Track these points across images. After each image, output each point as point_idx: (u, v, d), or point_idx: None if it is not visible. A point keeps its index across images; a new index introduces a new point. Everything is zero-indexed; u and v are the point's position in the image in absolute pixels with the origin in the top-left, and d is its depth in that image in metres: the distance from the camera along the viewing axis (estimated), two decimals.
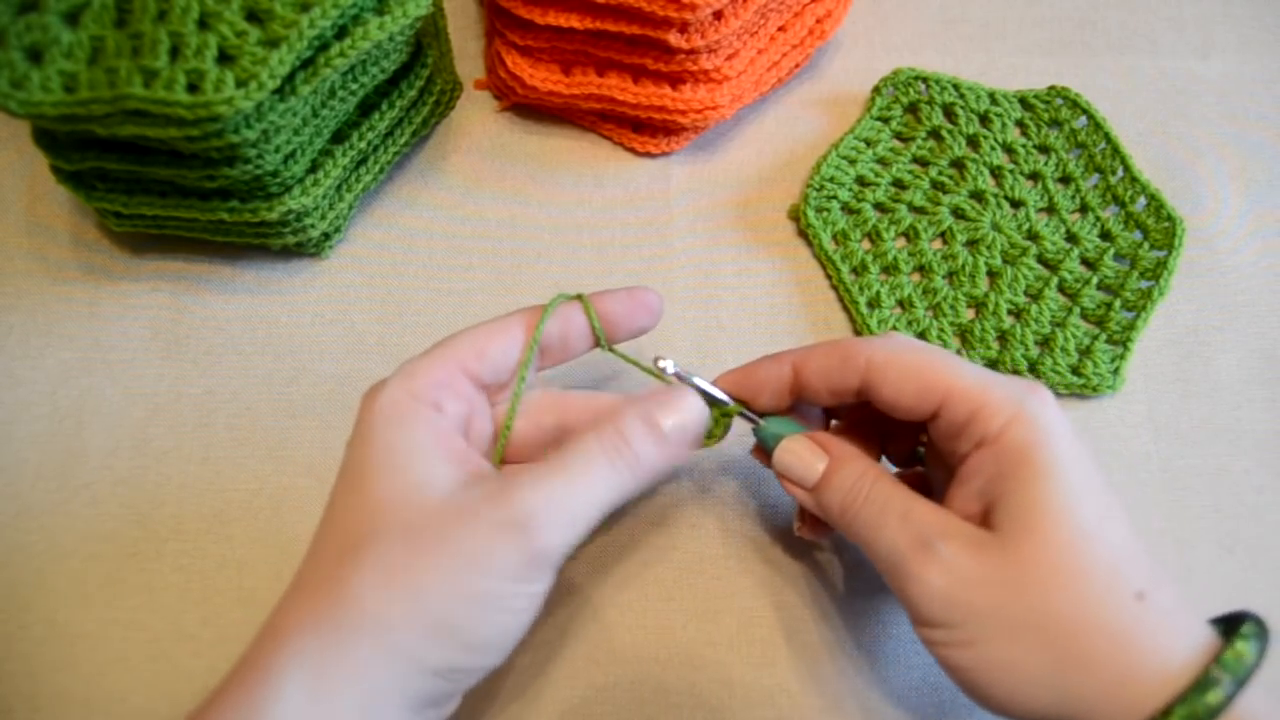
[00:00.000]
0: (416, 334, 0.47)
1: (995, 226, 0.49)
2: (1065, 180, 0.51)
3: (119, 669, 0.41)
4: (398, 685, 0.29)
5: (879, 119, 0.52)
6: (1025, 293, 0.48)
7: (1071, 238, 0.49)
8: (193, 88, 0.36)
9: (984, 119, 0.51)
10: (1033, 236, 0.49)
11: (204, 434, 0.45)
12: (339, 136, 0.45)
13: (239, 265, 0.48)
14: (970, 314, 0.48)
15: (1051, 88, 0.52)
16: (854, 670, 0.42)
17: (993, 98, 0.52)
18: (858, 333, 0.48)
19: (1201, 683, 0.28)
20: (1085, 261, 0.49)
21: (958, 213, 0.50)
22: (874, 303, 0.48)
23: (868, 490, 0.34)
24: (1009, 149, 0.51)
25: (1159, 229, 0.49)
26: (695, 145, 0.52)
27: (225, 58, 0.36)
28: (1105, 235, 0.49)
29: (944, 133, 0.51)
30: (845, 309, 0.49)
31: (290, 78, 0.38)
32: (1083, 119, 0.51)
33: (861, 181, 0.51)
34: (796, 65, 0.52)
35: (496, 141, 0.52)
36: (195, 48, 0.36)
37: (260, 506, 0.44)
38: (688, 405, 0.34)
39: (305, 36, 0.37)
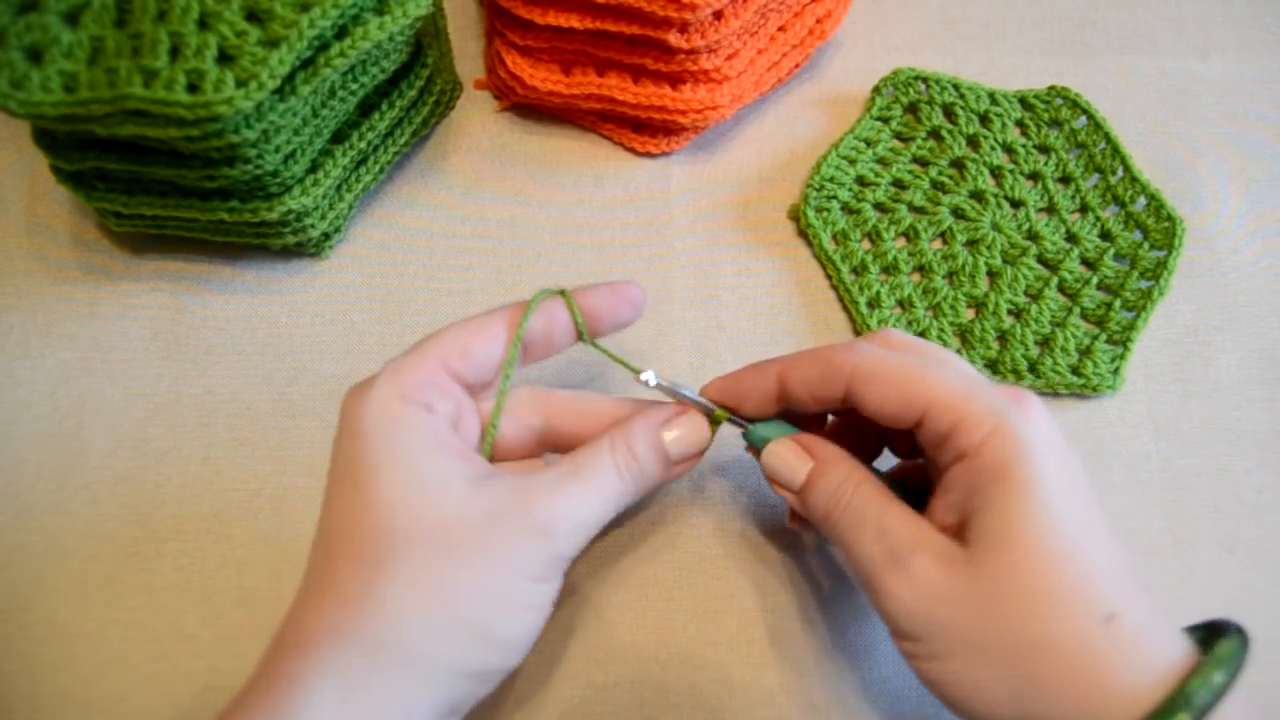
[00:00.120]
0: (416, 334, 0.47)
1: (995, 226, 0.49)
2: (1065, 180, 0.51)
3: (119, 669, 0.41)
4: (430, 694, 0.30)
5: (879, 119, 0.52)
6: (1025, 293, 0.48)
7: (1071, 238, 0.49)
8: (193, 88, 0.36)
9: (984, 119, 0.51)
10: (1033, 236, 0.49)
11: (204, 434, 0.45)
12: (339, 136, 0.45)
13: (239, 265, 0.48)
14: (970, 314, 0.48)
15: (1051, 88, 0.52)
16: (854, 670, 0.42)
17: (993, 98, 0.52)
18: (857, 332, 0.48)
19: (1165, 710, 0.28)
20: (1085, 261, 0.49)
21: (958, 213, 0.50)
22: (874, 303, 0.48)
23: (848, 497, 0.34)
24: (1009, 149, 0.51)
25: (1159, 229, 0.49)
26: (695, 145, 0.52)
27: (225, 58, 0.36)
28: (1105, 235, 0.49)
29: (944, 133, 0.51)
30: (845, 309, 0.49)
31: (290, 78, 0.38)
32: (1083, 119, 0.51)
33: (861, 181, 0.51)
34: (796, 65, 0.52)
35: (496, 141, 0.52)
36: (195, 48, 0.36)
37: (260, 506, 0.44)
38: (692, 424, 0.36)
39: (305, 36, 0.37)
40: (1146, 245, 0.49)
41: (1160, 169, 0.52)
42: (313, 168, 0.44)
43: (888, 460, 0.40)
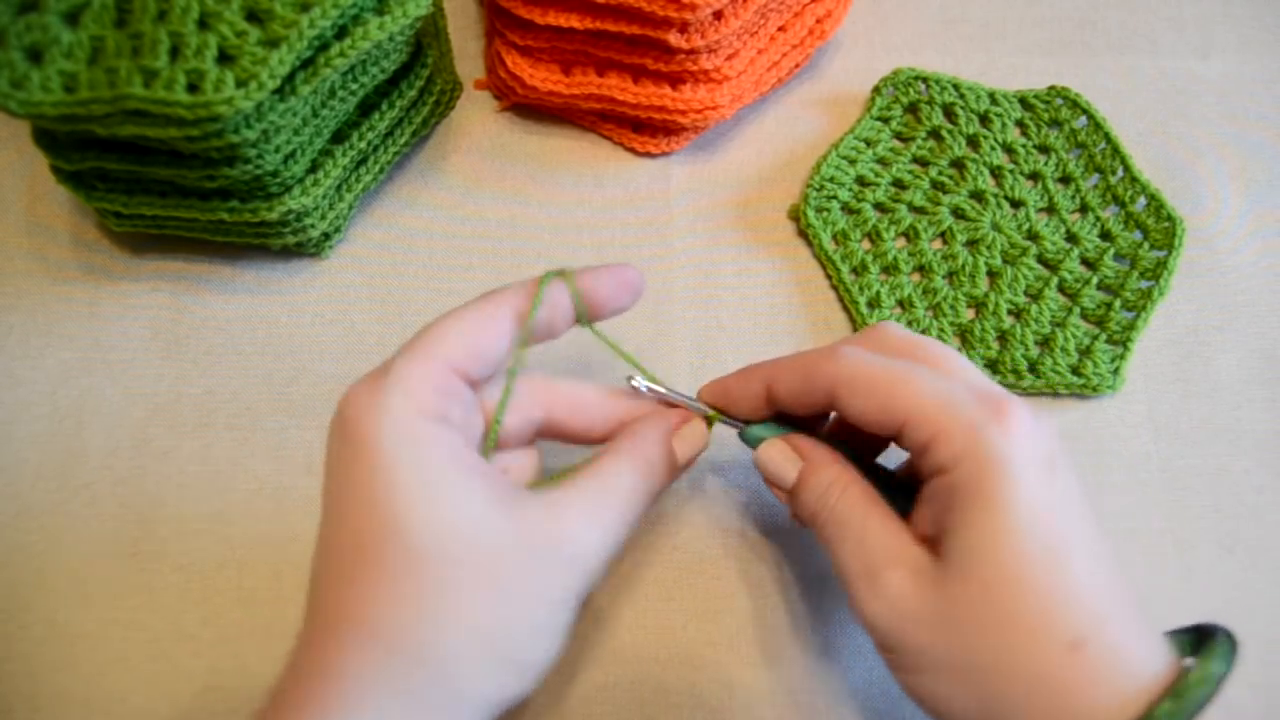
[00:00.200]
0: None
1: (995, 226, 0.49)
2: (1065, 180, 0.51)
3: (119, 669, 0.41)
4: None
5: (879, 119, 0.52)
6: (1025, 293, 0.48)
7: (1071, 238, 0.49)
8: (193, 88, 0.36)
9: (984, 119, 0.51)
10: (1033, 236, 0.49)
11: (204, 434, 0.45)
12: (339, 136, 0.45)
13: (239, 265, 0.48)
14: (970, 314, 0.48)
15: (1051, 88, 0.52)
16: (855, 671, 0.42)
17: (993, 98, 0.52)
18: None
19: None
20: (1085, 261, 0.49)
21: (958, 213, 0.50)
22: (874, 303, 0.48)
23: (834, 502, 0.34)
24: (1009, 149, 0.51)
25: (1159, 229, 0.49)
26: (695, 145, 0.52)
27: (225, 58, 0.36)
28: (1105, 235, 0.49)
29: (944, 133, 0.51)
30: (845, 309, 0.49)
31: (290, 78, 0.38)
32: (1083, 119, 0.51)
33: (861, 181, 0.51)
34: (796, 65, 0.52)
35: (496, 141, 0.52)
36: (195, 48, 0.36)
37: (260, 506, 0.44)
38: (695, 428, 0.37)
39: (305, 36, 0.37)
40: (1146, 245, 0.49)
41: (1160, 169, 0.52)
42: (313, 168, 0.44)
43: (896, 454, 0.40)
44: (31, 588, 0.42)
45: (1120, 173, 0.50)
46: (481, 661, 0.29)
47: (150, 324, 0.47)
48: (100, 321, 0.47)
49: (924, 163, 0.51)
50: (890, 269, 0.49)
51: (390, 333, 0.47)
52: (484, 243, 0.49)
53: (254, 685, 0.41)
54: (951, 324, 0.48)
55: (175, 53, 0.36)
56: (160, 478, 0.44)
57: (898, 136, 0.52)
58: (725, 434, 0.39)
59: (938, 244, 0.49)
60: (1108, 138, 0.51)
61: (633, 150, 0.51)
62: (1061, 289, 0.48)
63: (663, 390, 0.37)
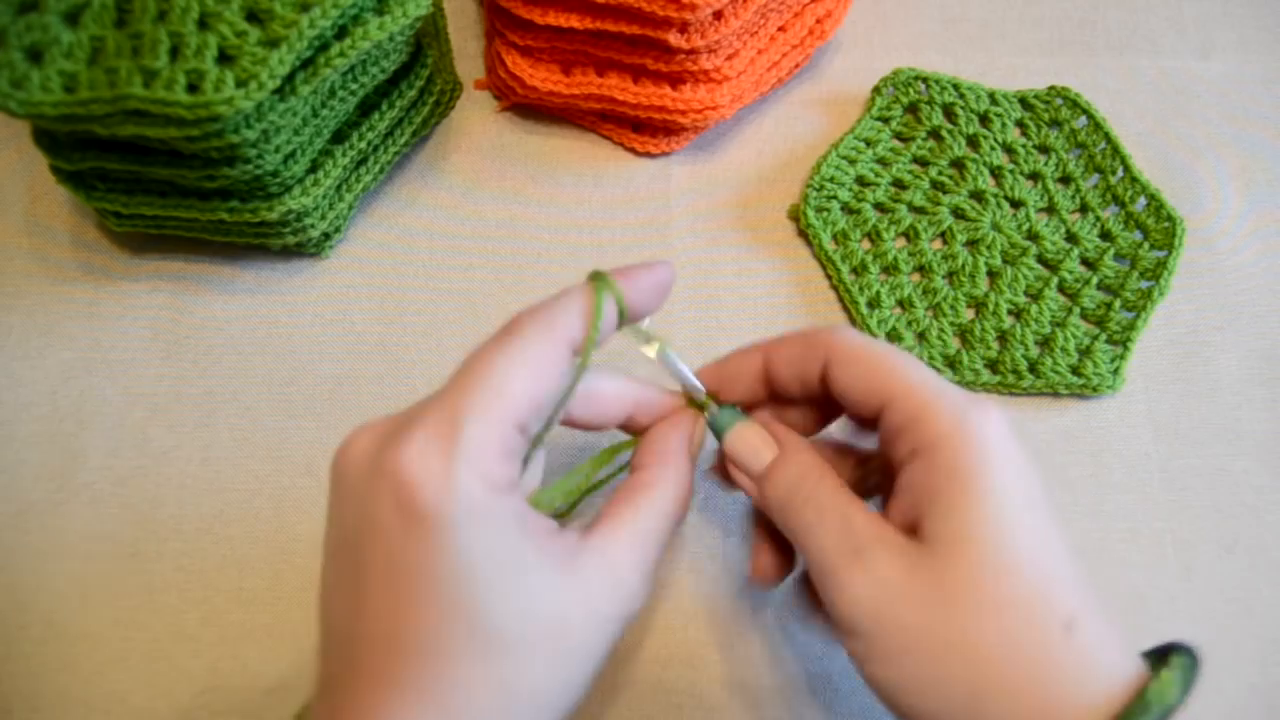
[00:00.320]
0: (416, 334, 0.47)
1: (995, 226, 0.49)
2: (1065, 180, 0.51)
3: (119, 669, 0.41)
4: None
5: (879, 119, 0.52)
6: (1025, 293, 0.48)
7: (1071, 238, 0.49)
8: (193, 88, 0.36)
9: (984, 119, 0.51)
10: (1033, 236, 0.49)
11: (204, 434, 0.45)
12: (339, 136, 0.45)
13: (239, 265, 0.48)
14: (970, 314, 0.48)
15: (1051, 88, 0.52)
16: (855, 670, 0.41)
17: (993, 98, 0.52)
18: None
19: (1132, 712, 0.28)
20: (1085, 261, 0.49)
21: (958, 213, 0.50)
22: (874, 303, 0.48)
23: (810, 488, 0.33)
24: (1009, 149, 0.51)
25: (1159, 229, 0.49)
26: (695, 145, 0.52)
27: (225, 58, 0.36)
28: (1105, 235, 0.49)
29: (944, 133, 0.51)
30: (845, 309, 0.49)
31: (290, 78, 0.38)
32: (1083, 119, 0.51)
33: (861, 181, 0.51)
34: (796, 65, 0.52)
35: (496, 141, 0.52)
36: (195, 48, 0.36)
37: (260, 506, 0.44)
38: (700, 428, 0.36)
39: (305, 36, 0.37)
40: (1146, 245, 0.49)
41: (1160, 169, 0.52)
42: (313, 168, 0.44)
43: None
44: (31, 588, 0.42)
45: (1120, 173, 0.50)
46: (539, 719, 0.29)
47: (150, 324, 0.47)
48: (100, 321, 0.47)
49: (924, 163, 0.51)
50: (890, 269, 0.49)
51: (390, 333, 0.47)
52: (484, 243, 0.49)
53: (254, 685, 0.41)
54: (951, 324, 0.48)
55: (175, 53, 0.36)
56: (160, 478, 0.44)
57: (898, 136, 0.52)
58: None
59: (938, 244, 0.49)
60: (1108, 138, 0.51)
61: (633, 150, 0.51)
62: (1061, 289, 0.48)
63: (684, 369, 0.36)
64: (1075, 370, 0.46)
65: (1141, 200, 0.50)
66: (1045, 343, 0.47)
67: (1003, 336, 0.47)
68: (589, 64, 0.49)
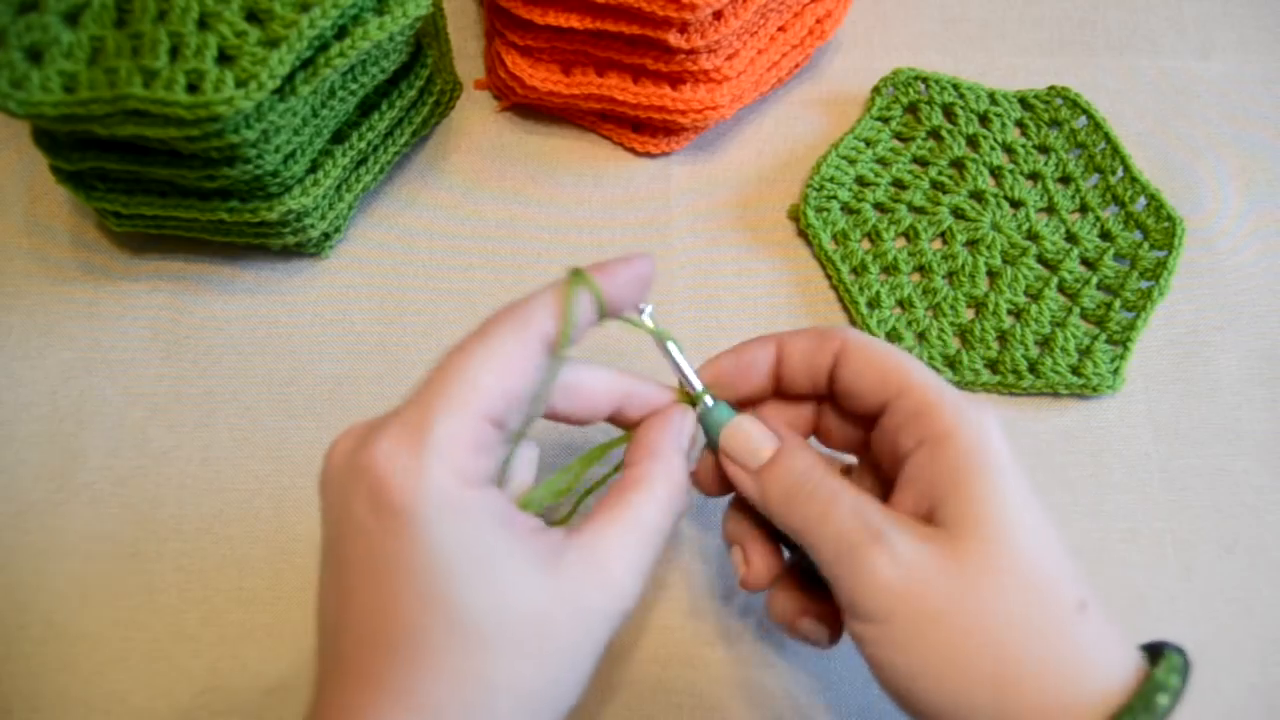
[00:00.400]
0: (416, 334, 0.47)
1: (995, 226, 0.49)
2: (1065, 180, 0.51)
3: (119, 669, 0.41)
4: None
5: (879, 119, 0.52)
6: (1025, 293, 0.48)
7: (1071, 238, 0.49)
8: (193, 88, 0.36)
9: (984, 119, 0.51)
10: (1033, 236, 0.49)
11: (204, 434, 0.45)
12: (339, 136, 0.45)
13: (239, 265, 0.48)
14: (970, 314, 0.48)
15: (1051, 88, 0.52)
16: (855, 670, 0.42)
17: (993, 98, 0.52)
18: None
19: (1145, 692, 0.28)
20: (1085, 261, 0.49)
21: (958, 213, 0.50)
22: (874, 303, 0.48)
23: (818, 480, 0.33)
24: (1009, 149, 0.51)
25: (1159, 229, 0.49)
26: (695, 145, 0.52)
27: (225, 58, 0.36)
28: (1105, 235, 0.49)
29: (944, 133, 0.51)
30: (845, 309, 0.49)
31: (290, 78, 0.38)
32: (1083, 119, 0.51)
33: (861, 181, 0.51)
34: (796, 65, 0.52)
35: (496, 141, 0.52)
36: (195, 48, 0.36)
37: (260, 506, 0.44)
38: (694, 428, 0.36)
39: (305, 36, 0.37)
40: (1146, 245, 0.49)
41: (1160, 169, 0.52)
42: (313, 168, 0.44)
43: None
44: (31, 588, 0.42)
45: (1120, 173, 0.50)
46: (525, 718, 0.29)
47: (150, 324, 0.47)
48: (100, 321, 0.47)
49: (924, 163, 0.51)
50: (890, 269, 0.49)
51: (390, 333, 0.47)
52: (484, 243, 0.49)
53: (254, 685, 0.41)
54: (951, 324, 0.48)
55: (175, 53, 0.36)
56: (160, 478, 0.44)
57: (898, 136, 0.52)
58: None
59: (938, 244, 0.49)
60: (1108, 138, 0.51)
61: (633, 150, 0.51)
62: (1061, 289, 0.48)
63: (684, 361, 0.36)
64: (1075, 370, 0.46)
65: (1141, 200, 0.50)
66: (1045, 343, 0.47)
67: (1003, 336, 0.47)
68: (589, 64, 0.49)
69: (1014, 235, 0.49)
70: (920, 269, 0.49)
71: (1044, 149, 0.51)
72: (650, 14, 0.44)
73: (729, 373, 0.37)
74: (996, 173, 0.50)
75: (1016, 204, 0.50)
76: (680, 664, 0.41)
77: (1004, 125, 0.51)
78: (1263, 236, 0.51)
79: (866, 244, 0.49)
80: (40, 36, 0.36)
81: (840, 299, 0.49)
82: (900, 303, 0.48)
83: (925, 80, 0.52)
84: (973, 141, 0.51)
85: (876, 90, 0.52)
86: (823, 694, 0.41)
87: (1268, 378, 0.48)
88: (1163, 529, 0.45)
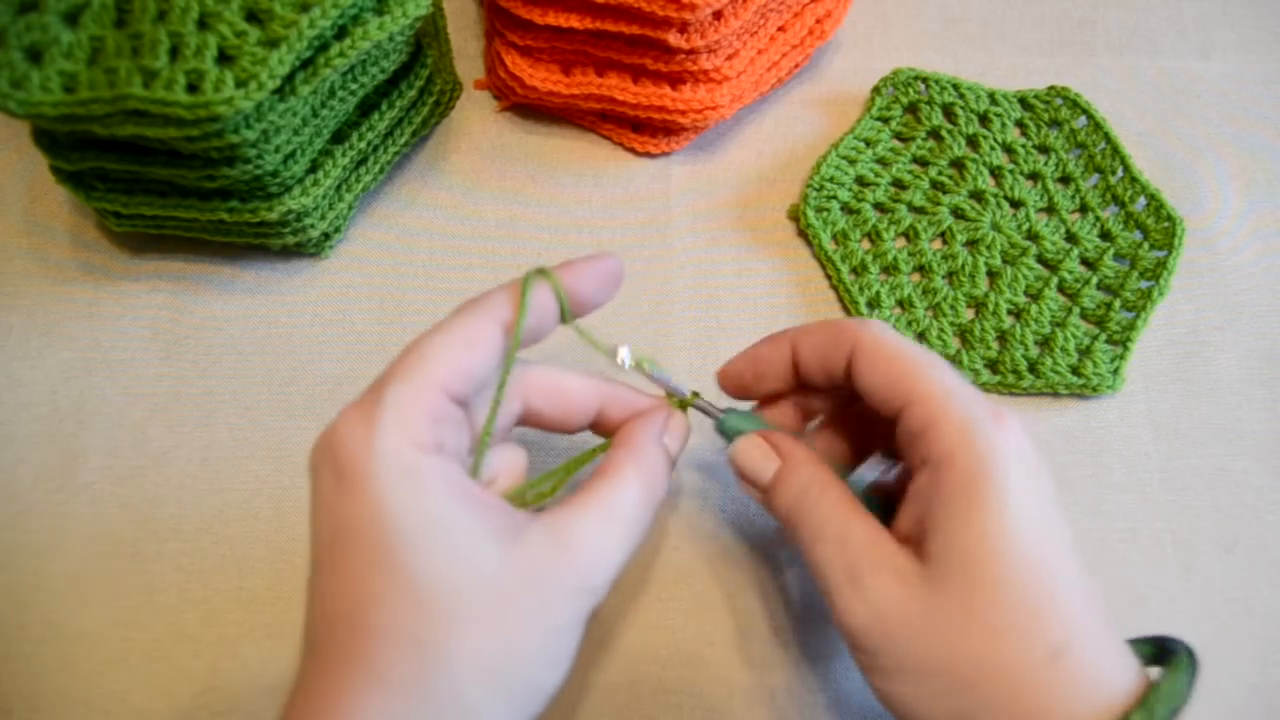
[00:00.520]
0: (416, 334, 0.47)
1: (995, 226, 0.49)
2: (1065, 180, 0.51)
3: (119, 669, 0.41)
4: None
5: (879, 119, 0.52)
6: (1025, 293, 0.48)
7: (1071, 238, 0.49)
8: (192, 88, 0.36)
9: (984, 119, 0.51)
10: (1033, 236, 0.49)
11: (204, 434, 0.45)
12: (339, 136, 0.45)
13: (239, 265, 0.48)
14: (970, 314, 0.48)
15: (1051, 88, 0.52)
16: (854, 670, 0.42)
17: (993, 98, 0.52)
18: None
19: None
20: (1085, 261, 0.49)
21: (957, 213, 0.50)
22: (874, 303, 0.48)
23: (812, 502, 0.33)
24: (1009, 149, 0.51)
25: (1159, 229, 0.49)
26: (695, 145, 0.52)
27: (225, 58, 0.36)
28: (1105, 235, 0.49)
29: (944, 133, 0.51)
30: (845, 309, 0.49)
31: (290, 78, 0.38)
32: (1083, 119, 0.51)
33: (861, 181, 0.51)
34: (796, 65, 0.52)
35: (496, 141, 0.52)
36: (195, 48, 0.36)
37: (260, 506, 0.44)
38: (682, 425, 0.36)
39: (305, 36, 0.37)
40: (1146, 245, 0.49)
41: (1160, 169, 0.52)
42: (313, 168, 0.44)
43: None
44: (31, 588, 0.42)
45: (1120, 173, 0.50)
46: (493, 694, 0.28)
47: (150, 324, 0.47)
48: (100, 321, 0.47)
49: (924, 163, 0.51)
50: (890, 269, 0.49)
51: (390, 333, 0.47)
52: (484, 243, 0.49)
53: (254, 685, 0.41)
54: (951, 324, 0.48)
55: (175, 53, 0.36)
56: (160, 478, 0.44)
57: (897, 136, 0.52)
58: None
59: (938, 244, 0.49)
60: (1107, 138, 0.51)
61: (633, 150, 0.51)
62: (1061, 289, 0.48)
63: (649, 370, 0.36)
64: (1075, 370, 0.46)
65: (1141, 200, 0.50)
66: (1045, 343, 0.47)
67: (1003, 336, 0.47)
68: (589, 64, 0.49)
69: (1014, 235, 0.49)
70: (920, 269, 0.49)
71: (1044, 149, 0.51)
72: (650, 14, 0.44)
73: (745, 376, 0.37)
74: (996, 173, 0.50)
75: (1016, 204, 0.50)
76: (681, 664, 0.41)
77: (1004, 125, 0.51)
78: (1263, 236, 0.51)
79: (866, 244, 0.49)
80: (40, 36, 0.36)
81: (840, 299, 0.49)
82: (900, 303, 0.48)
83: (925, 80, 0.52)
84: (973, 141, 0.51)
85: (876, 90, 0.52)
86: (823, 694, 0.41)
87: (1268, 378, 0.48)
88: (1163, 529, 0.45)
